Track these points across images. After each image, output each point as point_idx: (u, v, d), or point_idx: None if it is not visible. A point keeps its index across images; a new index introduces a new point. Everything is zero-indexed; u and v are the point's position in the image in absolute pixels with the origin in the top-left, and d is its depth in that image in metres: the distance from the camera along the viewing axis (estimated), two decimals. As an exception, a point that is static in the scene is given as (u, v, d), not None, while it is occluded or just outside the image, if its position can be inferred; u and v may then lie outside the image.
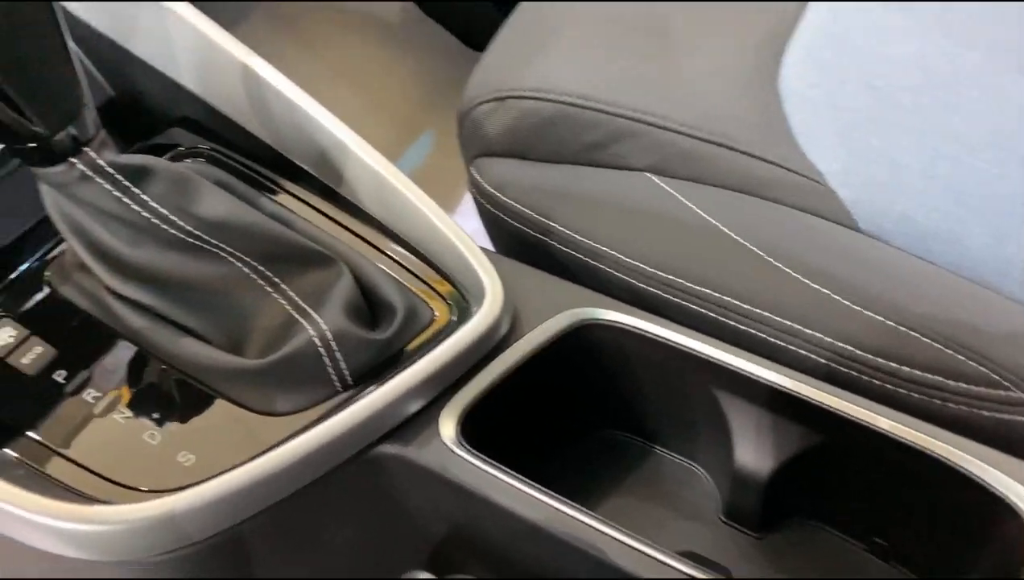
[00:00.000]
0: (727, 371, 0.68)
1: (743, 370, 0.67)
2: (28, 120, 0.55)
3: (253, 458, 0.59)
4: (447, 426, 0.64)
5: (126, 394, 0.63)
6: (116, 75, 0.83)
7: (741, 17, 0.91)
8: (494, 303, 0.69)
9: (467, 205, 0.98)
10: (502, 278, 0.70)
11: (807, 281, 0.75)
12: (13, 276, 0.69)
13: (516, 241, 0.86)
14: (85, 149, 0.59)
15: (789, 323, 0.76)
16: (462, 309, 0.72)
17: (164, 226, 0.63)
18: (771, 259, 0.76)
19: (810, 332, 0.75)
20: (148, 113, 0.83)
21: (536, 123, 0.84)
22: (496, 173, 0.86)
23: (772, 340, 0.77)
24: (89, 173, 0.59)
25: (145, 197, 0.62)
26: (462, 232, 0.72)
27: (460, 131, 0.93)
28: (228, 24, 0.77)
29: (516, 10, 1.00)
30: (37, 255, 0.70)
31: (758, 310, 0.77)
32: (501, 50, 0.93)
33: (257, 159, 0.78)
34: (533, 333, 0.70)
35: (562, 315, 0.72)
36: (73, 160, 0.58)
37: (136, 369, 0.64)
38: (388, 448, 0.63)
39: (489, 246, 0.95)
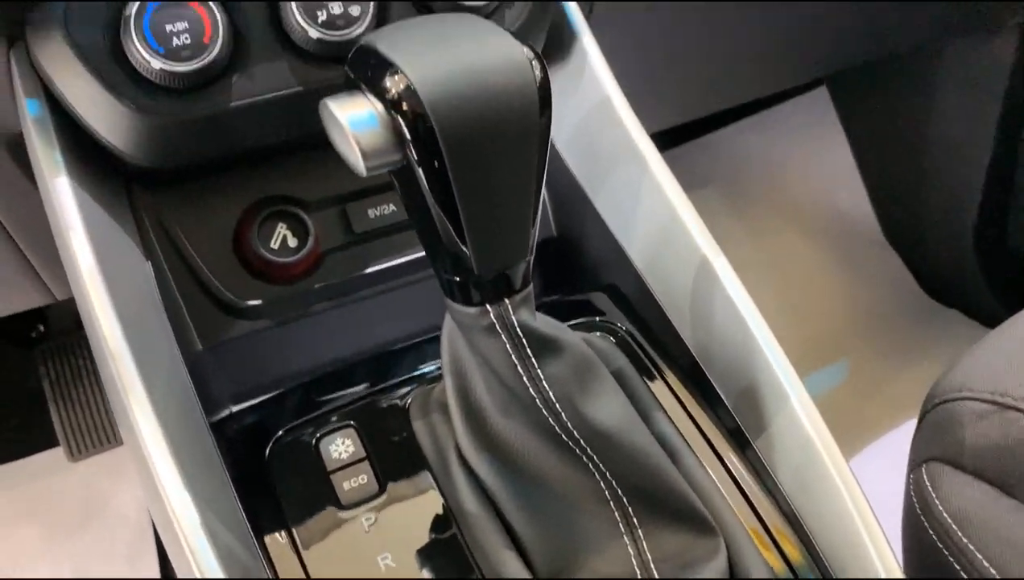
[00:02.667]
0: None
1: None
2: (464, 252, 0.48)
3: None
4: None
5: (419, 581, 0.53)
6: (564, 215, 0.77)
7: None
8: None
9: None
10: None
11: None
12: (382, 385, 0.63)
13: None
14: (505, 301, 0.51)
15: None
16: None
17: (544, 411, 0.52)
18: None
19: None
20: (581, 267, 0.76)
21: (1049, 460, 0.60)
22: (960, 497, 0.63)
23: None
24: (497, 328, 0.51)
25: (540, 373, 0.52)
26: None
27: (921, 418, 0.72)
28: (686, 185, 0.68)
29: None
30: (411, 374, 0.64)
31: None
32: (1014, 341, 0.70)
33: (673, 364, 0.65)
34: None
35: None
36: (489, 308, 0.51)
37: (443, 558, 0.54)
38: None
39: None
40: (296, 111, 0.62)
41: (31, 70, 0.60)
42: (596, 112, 0.72)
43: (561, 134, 0.74)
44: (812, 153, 1.88)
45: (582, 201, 0.74)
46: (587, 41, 0.73)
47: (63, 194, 0.59)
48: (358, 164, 0.45)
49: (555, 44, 0.74)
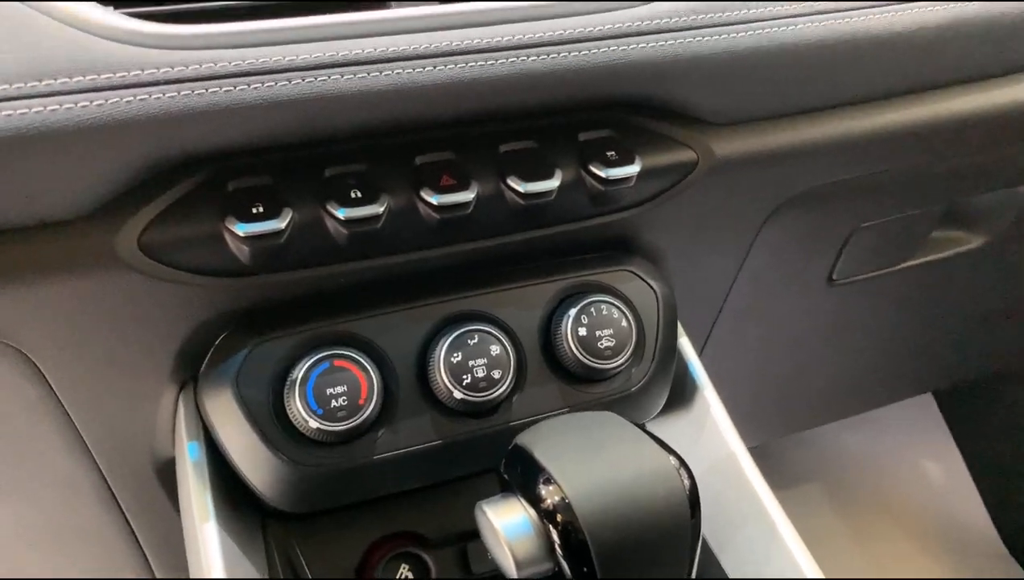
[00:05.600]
0: None
1: None
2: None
3: None
4: None
5: None
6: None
7: None
8: None
9: None
10: None
11: None
12: None
13: None
14: None
15: None
16: None
17: None
18: None
19: None
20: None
21: None
22: None
23: None
24: None
25: None
26: None
27: None
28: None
29: None
30: None
31: None
32: None
33: None
34: None
35: None
36: None
37: None
38: None
39: None
40: (435, 462, 0.65)
41: (196, 415, 0.65)
42: (720, 466, 0.72)
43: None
44: (919, 456, 1.81)
45: (705, 553, 0.72)
46: (709, 395, 0.75)
47: (209, 539, 0.61)
48: (511, 571, 0.46)
49: (676, 392, 0.77)
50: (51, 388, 0.64)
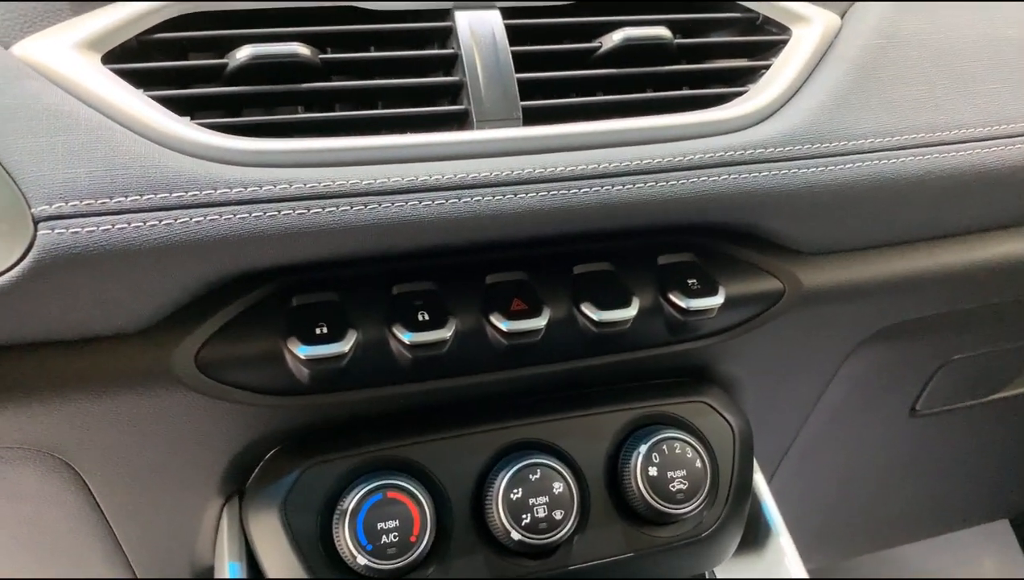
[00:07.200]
0: None
1: None
2: None
3: None
4: None
5: None
6: None
7: None
8: None
9: None
10: None
11: None
12: None
13: None
14: None
15: None
16: None
17: None
18: None
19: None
20: None
21: None
22: None
23: None
24: None
25: None
26: None
27: None
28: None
29: None
30: None
31: None
32: None
33: None
34: None
35: None
36: None
37: None
38: None
39: None
40: None
41: (240, 533, 0.62)
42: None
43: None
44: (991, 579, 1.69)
45: None
46: (784, 542, 0.69)
47: None
48: None
49: (748, 532, 0.71)
50: (93, 498, 0.61)
